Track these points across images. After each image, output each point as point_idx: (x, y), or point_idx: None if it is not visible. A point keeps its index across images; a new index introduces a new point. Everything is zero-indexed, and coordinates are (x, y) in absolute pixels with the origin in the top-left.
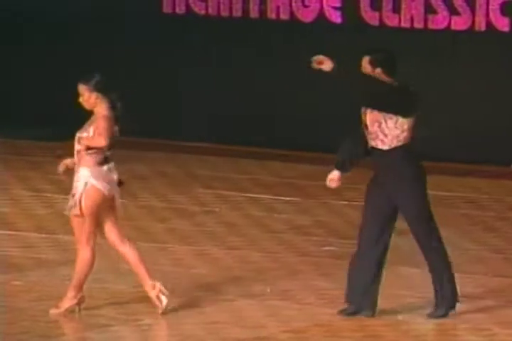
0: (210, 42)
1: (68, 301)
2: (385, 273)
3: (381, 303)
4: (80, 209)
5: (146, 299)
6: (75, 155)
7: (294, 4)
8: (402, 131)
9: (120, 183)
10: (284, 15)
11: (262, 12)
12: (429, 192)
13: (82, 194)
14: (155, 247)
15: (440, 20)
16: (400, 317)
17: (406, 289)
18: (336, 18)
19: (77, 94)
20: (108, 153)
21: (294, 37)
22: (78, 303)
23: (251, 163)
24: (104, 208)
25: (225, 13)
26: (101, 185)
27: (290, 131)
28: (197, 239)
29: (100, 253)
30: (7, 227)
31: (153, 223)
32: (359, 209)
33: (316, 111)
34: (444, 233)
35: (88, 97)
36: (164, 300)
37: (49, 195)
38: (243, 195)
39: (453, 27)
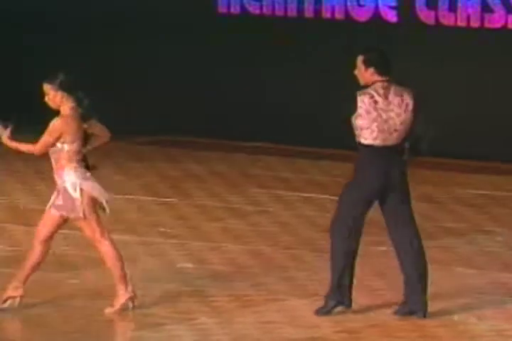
0: (264, 42)
1: (121, 297)
2: (440, 273)
3: (437, 303)
4: (82, 211)
5: (201, 298)
6: (51, 155)
7: (349, 4)
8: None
9: (93, 167)
10: (339, 15)
11: (317, 12)
12: (485, 192)
13: (78, 198)
14: (208, 246)
15: (497, 19)
16: (455, 317)
17: (461, 289)
18: (391, 17)
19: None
20: (84, 151)
21: (349, 36)
22: (131, 298)
23: (305, 162)
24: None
25: (279, 13)
26: (89, 185)
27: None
28: (250, 239)
29: (155, 253)
30: (64, 226)
31: (207, 222)
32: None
33: None
34: (501, 233)
35: (53, 96)
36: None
37: None
38: (297, 194)
39: (510, 26)
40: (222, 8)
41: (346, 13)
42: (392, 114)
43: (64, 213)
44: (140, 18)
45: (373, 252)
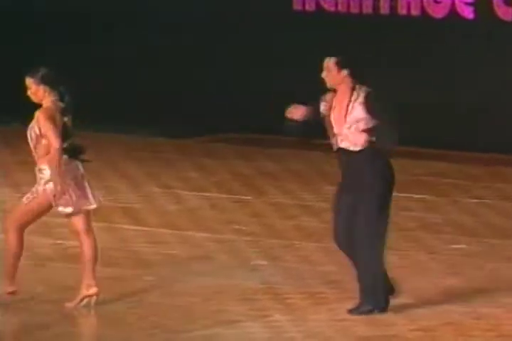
0: (339, 40)
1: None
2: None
3: None
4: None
5: (275, 295)
6: (33, 151)
7: (425, 0)
8: None
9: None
10: (415, 11)
11: (393, 8)
12: None
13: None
14: (282, 244)
15: None
16: None
17: None
18: (468, 13)
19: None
20: (64, 145)
21: (425, 33)
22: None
23: None
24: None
25: (355, 10)
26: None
27: (420, 128)
28: (324, 236)
29: (230, 250)
30: (139, 223)
31: (281, 220)
32: (490, 207)
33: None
34: None
35: (36, 90)
36: (85, 303)
37: (179, 191)
38: None
39: None
40: (297, 6)
41: (422, 9)
42: None
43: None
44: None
45: (448, 250)
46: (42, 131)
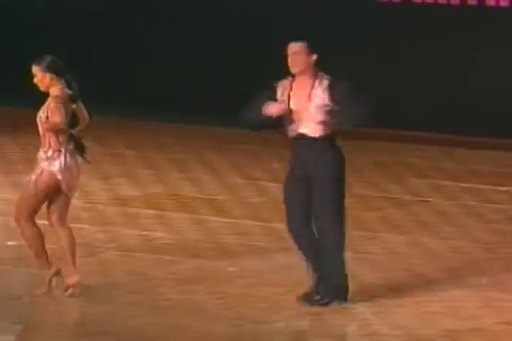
0: (425, 31)
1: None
2: None
3: None
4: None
5: (359, 287)
6: (41, 137)
7: None
8: None
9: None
10: (504, 2)
11: None
12: None
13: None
14: (367, 236)
15: None
16: None
17: None
18: None
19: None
20: (72, 132)
21: None
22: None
23: (466, 152)
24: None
25: (442, 1)
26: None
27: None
28: (409, 229)
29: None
30: (223, 215)
31: (367, 212)
32: None
33: None
34: None
35: (42, 78)
36: (53, 285)
37: (263, 183)
38: (457, 184)
39: None
40: None
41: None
42: None
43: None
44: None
45: None
46: (49, 115)
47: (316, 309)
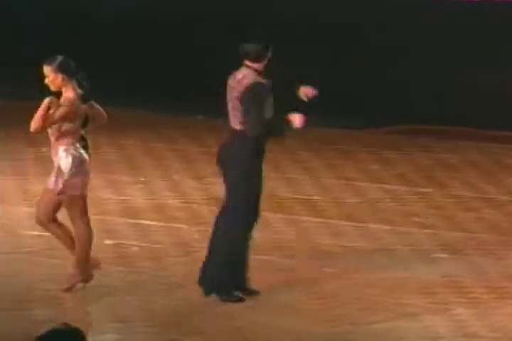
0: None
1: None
2: None
3: None
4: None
5: (457, 289)
6: (50, 134)
7: None
8: None
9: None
10: None
11: None
12: None
13: (66, 176)
14: (463, 236)
15: None
16: None
17: None
18: None
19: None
20: (82, 132)
21: None
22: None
23: None
24: None
25: None
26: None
27: None
28: (507, 229)
29: (410, 243)
30: (318, 215)
31: (462, 212)
32: None
33: None
34: None
35: (54, 78)
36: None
37: (359, 183)
38: None
39: None
40: None
41: None
42: None
43: (55, 189)
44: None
45: None
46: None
47: (413, 310)
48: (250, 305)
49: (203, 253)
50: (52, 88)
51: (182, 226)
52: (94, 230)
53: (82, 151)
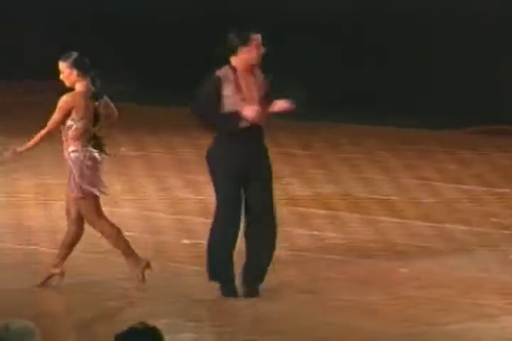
0: None
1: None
2: None
3: None
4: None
5: None
6: (62, 133)
7: None
8: None
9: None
10: None
11: None
12: None
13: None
14: None
15: None
16: None
17: None
18: None
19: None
20: (95, 129)
21: None
22: (60, 274)
23: None
24: None
25: None
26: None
27: None
28: None
29: (488, 243)
30: (394, 215)
31: None
32: None
33: None
34: None
35: (68, 74)
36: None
37: (437, 183)
38: None
39: None
40: None
41: None
42: None
43: (68, 191)
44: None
45: None
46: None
47: (490, 311)
48: (326, 306)
49: (278, 253)
50: (67, 84)
51: None
52: (172, 230)
53: (93, 151)
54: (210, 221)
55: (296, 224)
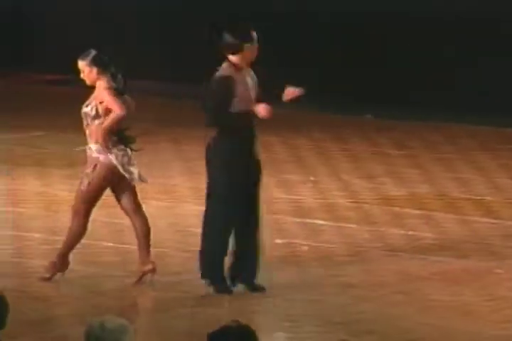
0: None
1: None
2: None
3: None
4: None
5: None
6: (85, 130)
7: None
8: None
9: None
10: None
11: None
12: None
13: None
14: None
15: None
16: None
17: None
18: None
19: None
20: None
21: None
22: (151, 271)
23: None
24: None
25: None
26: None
27: None
28: None
29: None
30: (491, 216)
31: None
32: None
33: None
34: None
35: (89, 72)
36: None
37: None
38: None
39: None
40: None
41: None
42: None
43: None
44: None
45: None
46: (109, 107)
47: None
48: (420, 306)
49: (373, 253)
50: (88, 82)
51: (352, 225)
52: (265, 229)
53: (119, 147)
54: (302, 221)
55: (391, 224)
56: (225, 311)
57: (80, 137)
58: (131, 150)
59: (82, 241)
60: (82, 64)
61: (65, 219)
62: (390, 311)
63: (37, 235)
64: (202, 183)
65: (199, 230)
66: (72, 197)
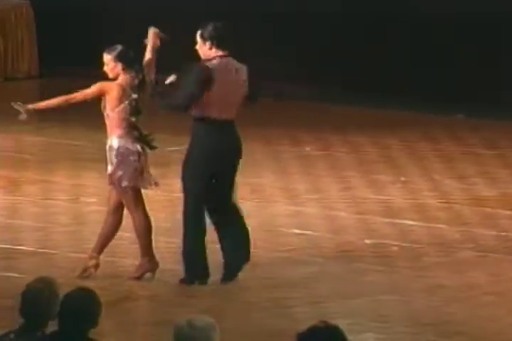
0: None
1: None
2: None
3: None
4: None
5: None
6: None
7: None
8: None
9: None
10: None
11: None
12: None
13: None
14: None
15: None
16: None
17: None
18: None
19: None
20: (133, 120)
21: None
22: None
23: None
24: None
25: None
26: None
27: None
28: None
29: None
30: None
31: None
32: None
33: None
34: None
35: (113, 67)
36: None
37: None
38: None
39: None
40: None
41: None
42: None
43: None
44: None
45: None
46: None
47: None
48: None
49: (463, 253)
50: (110, 76)
51: (442, 226)
52: (354, 229)
53: (133, 142)
54: (392, 221)
55: (482, 224)
56: (316, 311)
57: (174, 137)
58: (151, 148)
59: (171, 239)
60: (107, 58)
61: (156, 219)
62: (480, 312)
63: (127, 234)
64: (293, 183)
65: (290, 230)
66: (164, 198)
